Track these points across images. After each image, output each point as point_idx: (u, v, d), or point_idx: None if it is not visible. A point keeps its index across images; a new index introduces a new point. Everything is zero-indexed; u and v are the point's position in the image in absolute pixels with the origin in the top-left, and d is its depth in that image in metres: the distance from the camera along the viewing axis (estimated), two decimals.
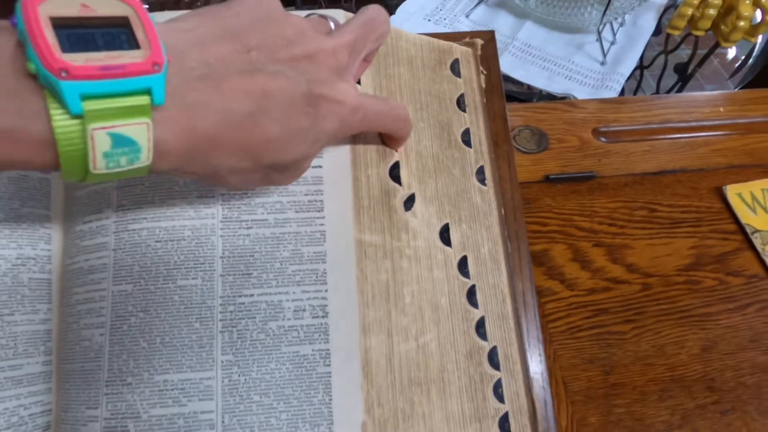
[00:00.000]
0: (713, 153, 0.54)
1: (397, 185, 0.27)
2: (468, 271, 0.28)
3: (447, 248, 0.28)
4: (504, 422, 0.26)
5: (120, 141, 0.16)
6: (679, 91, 0.84)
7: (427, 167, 0.29)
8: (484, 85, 0.33)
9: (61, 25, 0.15)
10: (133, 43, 0.16)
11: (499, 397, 0.27)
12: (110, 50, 0.16)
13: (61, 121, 0.15)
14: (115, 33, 0.16)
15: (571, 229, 0.47)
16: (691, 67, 0.82)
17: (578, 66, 0.66)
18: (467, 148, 0.31)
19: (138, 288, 0.22)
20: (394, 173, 0.27)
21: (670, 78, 0.90)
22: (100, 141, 0.16)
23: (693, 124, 0.56)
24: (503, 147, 0.32)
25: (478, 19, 0.71)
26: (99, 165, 0.16)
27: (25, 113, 0.15)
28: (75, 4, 0.16)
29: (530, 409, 0.27)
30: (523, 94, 0.72)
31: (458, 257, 0.28)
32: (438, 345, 0.26)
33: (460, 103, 0.31)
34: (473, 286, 0.28)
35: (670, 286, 0.45)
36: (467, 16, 0.70)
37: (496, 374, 0.27)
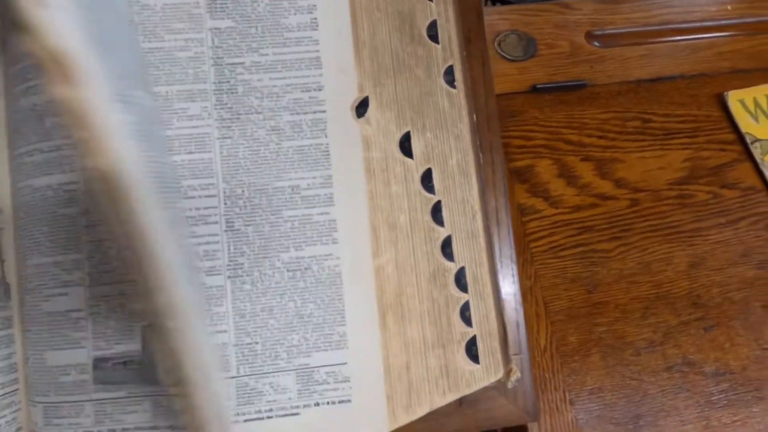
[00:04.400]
0: (716, 56, 0.49)
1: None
2: (433, 186, 0.25)
3: (408, 160, 0.24)
4: (471, 346, 0.24)
5: None
6: None
7: (384, 66, 0.25)
8: None
9: None
10: None
11: (467, 321, 0.24)
12: None
13: None
14: None
15: (558, 143, 0.44)
16: None
17: None
18: (434, 44, 0.26)
19: None
20: None
21: None
22: None
23: (696, 24, 0.51)
24: (477, 44, 0.28)
25: None
26: None
27: None
28: None
29: (501, 332, 0.25)
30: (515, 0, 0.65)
31: (421, 170, 0.25)
32: (395, 267, 0.23)
33: None
34: (438, 202, 0.25)
35: (660, 201, 0.42)
36: None
37: (464, 297, 0.25)
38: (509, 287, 0.27)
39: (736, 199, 0.42)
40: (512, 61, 0.47)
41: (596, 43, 0.49)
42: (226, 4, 0.23)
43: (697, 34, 0.50)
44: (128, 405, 0.20)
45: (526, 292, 0.37)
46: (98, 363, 0.21)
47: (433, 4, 0.27)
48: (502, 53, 0.47)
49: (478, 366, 0.24)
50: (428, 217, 0.25)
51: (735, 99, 0.45)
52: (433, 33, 0.27)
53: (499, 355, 0.25)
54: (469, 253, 0.25)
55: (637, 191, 0.42)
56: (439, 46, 0.27)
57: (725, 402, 0.36)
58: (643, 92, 0.47)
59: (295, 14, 0.23)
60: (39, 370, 0.21)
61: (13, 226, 0.23)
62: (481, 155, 0.27)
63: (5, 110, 0.23)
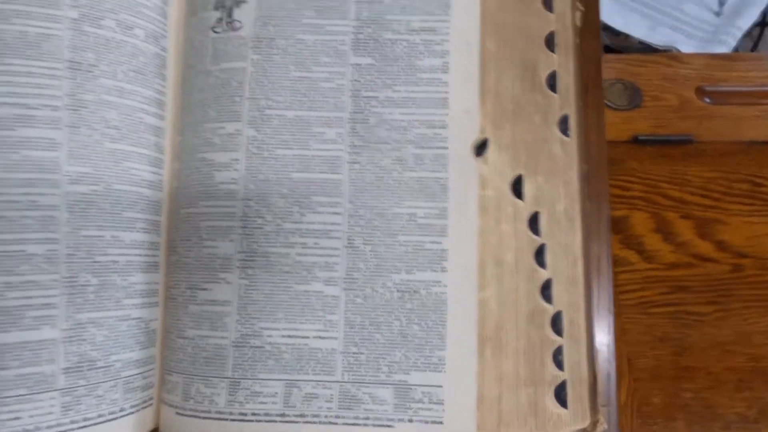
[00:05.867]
0: None
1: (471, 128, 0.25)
2: (539, 228, 0.26)
3: (518, 201, 0.26)
4: (560, 390, 0.25)
5: None
6: None
7: (505, 111, 0.26)
8: (579, 24, 0.29)
9: None
10: None
11: (558, 364, 0.25)
12: None
13: None
14: None
15: (656, 196, 0.43)
16: None
17: (688, 15, 0.58)
18: (552, 94, 0.27)
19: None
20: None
21: None
22: None
23: None
24: (594, 95, 0.29)
25: None
26: None
27: None
28: None
29: (591, 380, 0.25)
30: (618, 47, 0.65)
31: (530, 212, 0.26)
32: (498, 302, 0.24)
33: (550, 42, 0.28)
34: (543, 245, 0.26)
35: (767, 270, 0.40)
36: None
37: (558, 340, 0.25)
38: (603, 337, 0.27)
39: None
40: (616, 109, 0.47)
41: (706, 99, 0.48)
42: (368, 43, 0.26)
43: None
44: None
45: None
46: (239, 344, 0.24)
47: (555, 56, 0.28)
48: (606, 101, 0.47)
49: (565, 410, 0.25)
50: (532, 258, 0.26)
51: None
52: (552, 83, 0.28)
53: (587, 403, 0.25)
54: (568, 298, 0.26)
55: (740, 256, 0.40)
56: (557, 96, 0.28)
57: None
58: (754, 154, 0.45)
59: (429, 57, 0.26)
60: (181, 345, 0.25)
61: (169, 211, 0.27)
62: (588, 203, 0.27)
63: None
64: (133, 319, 0.24)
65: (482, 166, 0.25)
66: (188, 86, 0.27)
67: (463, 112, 0.25)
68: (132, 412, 0.24)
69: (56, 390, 0.22)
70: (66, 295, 0.23)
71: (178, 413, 0.24)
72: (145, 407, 0.25)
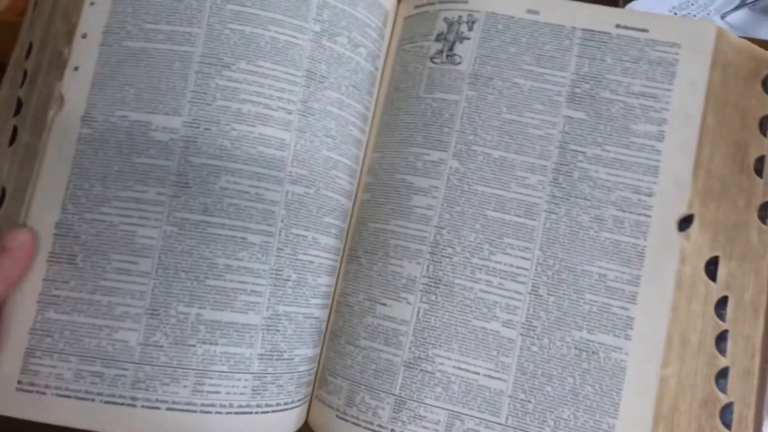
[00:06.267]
0: None
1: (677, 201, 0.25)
2: (724, 314, 0.25)
3: (710, 282, 0.25)
4: None
5: None
6: None
7: (713, 189, 0.26)
8: None
9: None
10: None
11: None
12: None
13: None
14: None
15: None
16: None
17: None
18: (758, 179, 0.27)
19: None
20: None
21: None
22: None
23: None
24: None
25: (737, 23, 0.61)
26: None
27: None
28: None
29: None
30: None
31: (719, 296, 0.25)
32: (677, 382, 0.24)
33: (763, 125, 0.27)
34: (725, 332, 0.25)
35: None
36: (722, 17, 0.61)
37: None
38: None
39: None
40: None
41: None
42: (584, 99, 0.26)
43: None
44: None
45: None
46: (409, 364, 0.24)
47: (766, 140, 0.27)
48: None
49: None
50: (712, 343, 0.25)
51: None
52: (759, 167, 0.27)
53: None
54: (741, 391, 0.25)
55: None
56: (761, 180, 0.27)
57: None
58: None
59: (645, 123, 0.26)
60: (350, 352, 0.26)
61: (354, 220, 0.28)
62: None
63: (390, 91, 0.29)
64: (314, 318, 0.26)
65: (684, 241, 0.25)
66: (394, 107, 0.28)
67: (673, 184, 0.25)
68: (297, 406, 0.25)
69: (250, 373, 0.24)
70: (271, 286, 0.24)
71: (338, 416, 0.25)
72: (305, 403, 0.26)
